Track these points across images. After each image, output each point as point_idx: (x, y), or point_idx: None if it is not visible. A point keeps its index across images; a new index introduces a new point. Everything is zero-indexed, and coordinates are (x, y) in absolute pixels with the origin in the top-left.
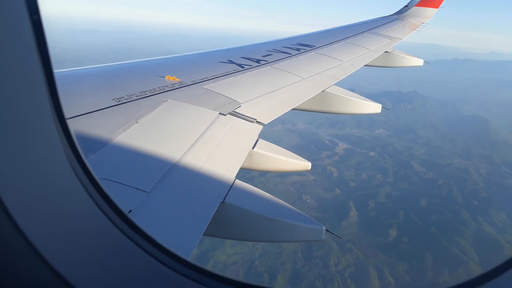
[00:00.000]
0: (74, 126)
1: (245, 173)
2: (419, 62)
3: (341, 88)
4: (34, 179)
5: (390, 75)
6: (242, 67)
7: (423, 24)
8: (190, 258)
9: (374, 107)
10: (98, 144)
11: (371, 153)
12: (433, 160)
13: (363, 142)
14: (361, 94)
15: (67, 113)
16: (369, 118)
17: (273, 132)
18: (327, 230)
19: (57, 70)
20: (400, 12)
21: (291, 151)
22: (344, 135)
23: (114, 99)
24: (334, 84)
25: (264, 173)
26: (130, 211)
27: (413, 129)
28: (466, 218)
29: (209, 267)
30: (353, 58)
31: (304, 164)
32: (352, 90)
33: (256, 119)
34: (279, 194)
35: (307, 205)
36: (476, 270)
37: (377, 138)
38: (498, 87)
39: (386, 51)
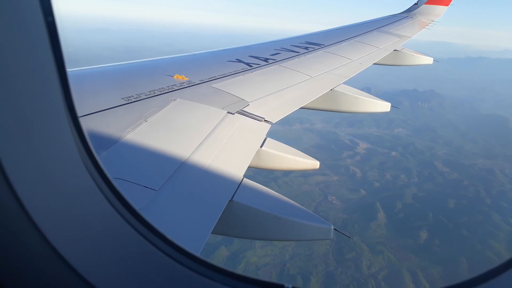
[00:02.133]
0: (84, 124)
1: (268, 173)
2: (428, 60)
3: (350, 87)
4: (49, 177)
5: (405, 74)
6: (250, 66)
7: (433, 22)
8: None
9: (383, 106)
10: (108, 143)
11: (393, 153)
12: (456, 160)
13: (383, 141)
14: (377, 93)
15: (77, 111)
16: (387, 117)
17: (291, 131)
18: (335, 229)
19: (68, 69)
20: (409, 10)
21: (311, 150)
22: (363, 134)
23: (123, 98)
24: (342, 83)
25: (287, 173)
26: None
27: (432, 128)
28: (497, 221)
29: (240, 269)
30: (362, 57)
31: (312, 163)
32: (369, 89)
33: (264, 118)
34: (304, 194)
35: (334, 206)
36: None
37: (397, 138)
38: None
39: (395, 50)
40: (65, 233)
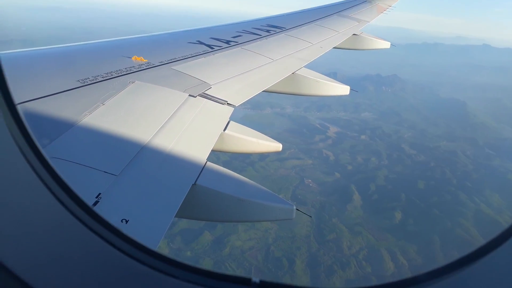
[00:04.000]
0: (36, 108)
1: (244, 157)
2: (386, 44)
3: (311, 70)
4: None
5: (367, 59)
6: (212, 48)
7: (390, 8)
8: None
9: (343, 89)
10: (63, 127)
11: (362, 136)
12: (422, 143)
13: (352, 125)
14: (343, 78)
15: (28, 94)
16: (354, 101)
17: (263, 116)
18: (297, 209)
19: (17, 50)
20: None
21: (285, 135)
22: (332, 118)
23: (78, 80)
24: (304, 67)
25: (263, 157)
26: (99, 194)
27: (397, 112)
28: (464, 200)
29: (226, 253)
30: (322, 41)
31: (275, 146)
32: (334, 74)
33: (227, 101)
34: (281, 178)
35: (311, 189)
36: None
37: (364, 121)
38: (469, 71)
39: (354, 34)
40: (3, 235)
